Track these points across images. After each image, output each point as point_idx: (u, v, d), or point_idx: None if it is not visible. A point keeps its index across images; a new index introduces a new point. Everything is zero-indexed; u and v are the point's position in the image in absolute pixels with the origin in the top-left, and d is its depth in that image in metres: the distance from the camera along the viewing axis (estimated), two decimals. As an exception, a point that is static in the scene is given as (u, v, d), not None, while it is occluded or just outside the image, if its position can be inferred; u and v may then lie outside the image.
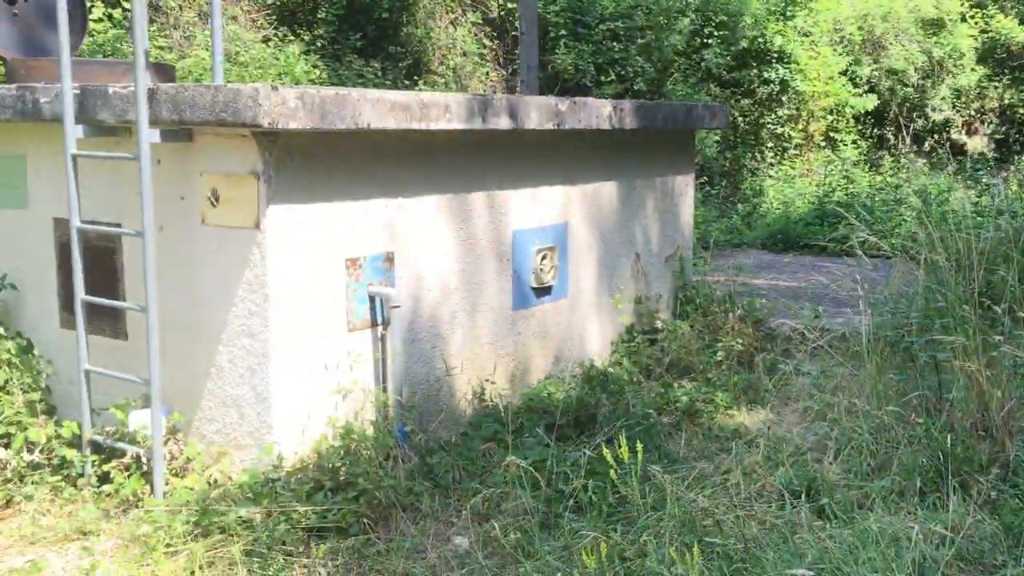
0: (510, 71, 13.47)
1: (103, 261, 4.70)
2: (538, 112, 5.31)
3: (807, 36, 15.89)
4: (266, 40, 10.04)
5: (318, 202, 4.41)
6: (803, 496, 4.07)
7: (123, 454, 4.40)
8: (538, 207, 5.74)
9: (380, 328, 4.73)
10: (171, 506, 3.98)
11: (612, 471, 3.84)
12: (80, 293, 4.46)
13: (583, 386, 5.15)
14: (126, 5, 8.36)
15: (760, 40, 15.04)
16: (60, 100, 4.38)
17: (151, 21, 9.12)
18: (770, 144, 15.57)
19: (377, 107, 4.37)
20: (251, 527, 3.84)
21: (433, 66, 12.22)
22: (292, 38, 10.09)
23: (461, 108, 4.81)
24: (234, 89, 3.93)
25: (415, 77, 11.74)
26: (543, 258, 5.72)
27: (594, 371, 5.46)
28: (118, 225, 4.56)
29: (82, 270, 4.46)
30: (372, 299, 4.68)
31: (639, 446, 3.93)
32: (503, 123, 5.07)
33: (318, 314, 4.45)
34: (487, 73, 12.88)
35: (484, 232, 5.36)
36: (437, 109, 4.67)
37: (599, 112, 5.77)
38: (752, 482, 4.29)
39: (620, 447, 3.81)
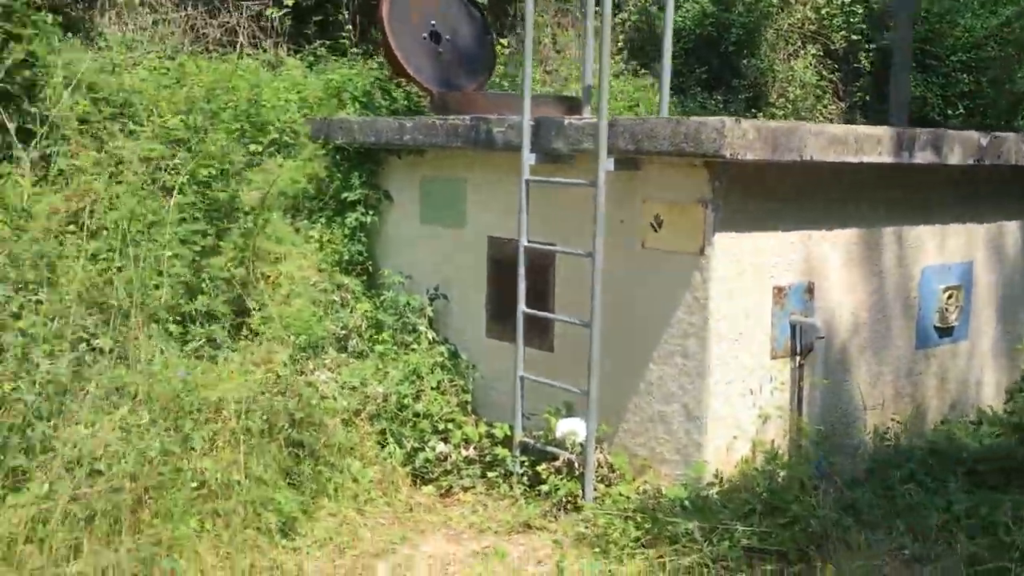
0: (848, 104, 13.13)
1: (537, 278, 5.07)
2: (961, 147, 5.15)
3: None
4: (616, 75, 10.48)
5: (753, 231, 4.54)
6: None
7: (552, 457, 4.72)
8: (946, 245, 5.55)
9: (798, 358, 4.76)
10: (615, 511, 4.22)
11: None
12: (522, 306, 4.86)
13: (1011, 434, 4.90)
14: (503, 42, 9.03)
15: None
16: (518, 130, 4.80)
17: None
18: None
19: (819, 140, 4.44)
20: (693, 540, 3.99)
21: (772, 98, 12.16)
22: (645, 71, 10.45)
23: (892, 142, 4.77)
24: (698, 122, 4.14)
25: (753, 109, 11.73)
26: (949, 297, 5.51)
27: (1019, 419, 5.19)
28: (551, 244, 4.92)
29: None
30: (792, 328, 4.73)
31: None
32: (928, 158, 4.97)
33: (747, 339, 4.56)
34: (825, 106, 12.64)
35: (893, 268, 5.26)
36: (870, 143, 4.66)
37: (1019, 148, 5.50)
38: None
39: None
